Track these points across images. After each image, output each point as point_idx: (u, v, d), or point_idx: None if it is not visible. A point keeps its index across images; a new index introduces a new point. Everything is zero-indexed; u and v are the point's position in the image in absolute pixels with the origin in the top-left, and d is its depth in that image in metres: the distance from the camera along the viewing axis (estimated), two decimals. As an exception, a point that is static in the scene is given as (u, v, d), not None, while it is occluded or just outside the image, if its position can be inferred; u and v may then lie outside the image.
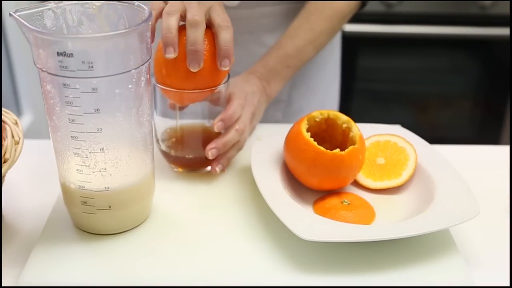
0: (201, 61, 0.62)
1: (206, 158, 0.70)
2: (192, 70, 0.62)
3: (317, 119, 0.66)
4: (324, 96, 1.02)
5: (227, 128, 0.68)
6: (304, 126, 0.64)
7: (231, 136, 0.67)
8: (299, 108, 0.99)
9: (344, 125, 0.66)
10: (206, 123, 0.71)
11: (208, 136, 0.71)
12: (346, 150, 0.62)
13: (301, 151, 0.62)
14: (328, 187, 0.65)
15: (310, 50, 0.82)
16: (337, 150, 0.62)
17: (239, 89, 0.72)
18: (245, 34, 0.88)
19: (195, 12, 0.62)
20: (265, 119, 0.97)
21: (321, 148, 0.61)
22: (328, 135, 0.68)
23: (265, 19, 0.88)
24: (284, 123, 0.98)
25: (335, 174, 0.63)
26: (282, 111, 0.97)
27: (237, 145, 0.70)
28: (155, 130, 0.70)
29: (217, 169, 0.68)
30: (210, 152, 0.66)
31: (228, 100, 0.69)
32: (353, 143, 0.64)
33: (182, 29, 0.63)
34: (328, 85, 1.03)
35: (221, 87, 0.67)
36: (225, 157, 0.69)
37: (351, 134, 0.65)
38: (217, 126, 0.67)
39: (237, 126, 0.68)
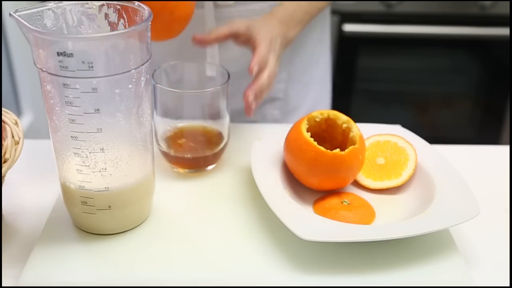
0: None
1: (206, 158, 0.70)
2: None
3: (317, 119, 0.67)
4: (318, 91, 1.03)
5: (258, 73, 0.71)
6: (304, 126, 0.64)
7: (264, 80, 0.70)
8: (297, 105, 0.99)
9: (344, 125, 0.66)
10: (206, 123, 0.71)
11: (208, 137, 0.71)
12: (346, 150, 0.62)
13: (301, 151, 0.62)
14: (328, 187, 0.65)
15: None
16: (337, 150, 0.62)
17: (264, 34, 0.73)
18: None
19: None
20: (263, 118, 0.97)
21: (321, 148, 0.61)
22: (328, 135, 0.68)
23: (259, 16, 0.88)
24: (282, 121, 0.98)
25: (335, 174, 0.63)
26: (280, 109, 0.98)
27: (268, 89, 0.73)
28: (155, 130, 0.70)
29: (253, 105, 0.71)
30: (250, 94, 0.69)
31: (254, 43, 0.71)
32: (353, 143, 0.64)
33: None
34: (322, 80, 1.03)
35: (221, 87, 0.67)
36: (257, 100, 0.72)
37: (351, 134, 0.65)
38: (254, 69, 0.69)
39: (267, 72, 0.71)
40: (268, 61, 0.72)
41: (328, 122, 0.67)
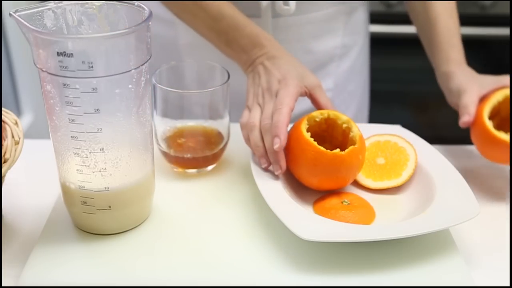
0: (282, 164, 0.64)
1: (206, 158, 0.70)
2: (276, 173, 0.64)
3: (317, 119, 0.66)
4: (360, 100, 1.02)
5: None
6: (304, 126, 0.64)
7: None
8: None
9: (344, 125, 0.66)
10: (206, 123, 0.71)
11: (207, 136, 0.71)
12: (346, 150, 0.62)
13: (301, 151, 0.62)
14: (327, 187, 0.65)
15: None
16: (337, 150, 0.62)
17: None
18: (294, 42, 0.87)
19: (266, 116, 0.65)
20: None
21: (321, 148, 0.61)
22: (328, 135, 0.68)
23: (313, 25, 0.87)
24: None
25: (335, 174, 0.63)
26: None
27: None
28: (155, 130, 0.70)
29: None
30: None
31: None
32: (353, 143, 0.64)
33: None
34: (363, 89, 1.03)
35: (221, 87, 0.67)
36: None
37: (351, 134, 0.65)
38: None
39: None
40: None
41: (328, 122, 0.67)
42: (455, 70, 0.78)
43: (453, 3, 0.85)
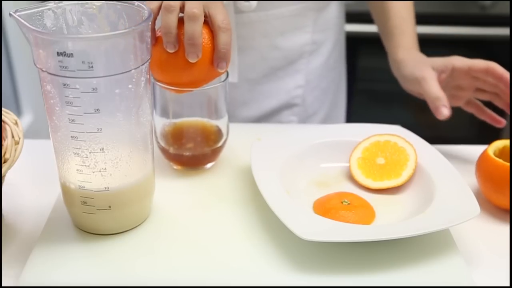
0: (199, 53, 0.61)
1: (205, 155, 0.70)
2: (190, 60, 0.61)
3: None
4: (335, 96, 1.02)
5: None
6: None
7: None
8: (313, 111, 0.98)
9: None
10: (205, 120, 0.71)
11: (207, 134, 0.71)
12: None
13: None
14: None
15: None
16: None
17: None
18: (259, 38, 0.87)
19: (194, 5, 0.60)
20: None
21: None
22: None
23: (279, 21, 0.87)
24: None
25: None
26: (297, 115, 0.97)
27: None
28: (154, 127, 0.70)
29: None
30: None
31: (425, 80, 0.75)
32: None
33: (181, 21, 0.62)
34: (338, 85, 1.03)
35: (220, 85, 0.67)
36: None
37: None
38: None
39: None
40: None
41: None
42: (404, 56, 0.81)
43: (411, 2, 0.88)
